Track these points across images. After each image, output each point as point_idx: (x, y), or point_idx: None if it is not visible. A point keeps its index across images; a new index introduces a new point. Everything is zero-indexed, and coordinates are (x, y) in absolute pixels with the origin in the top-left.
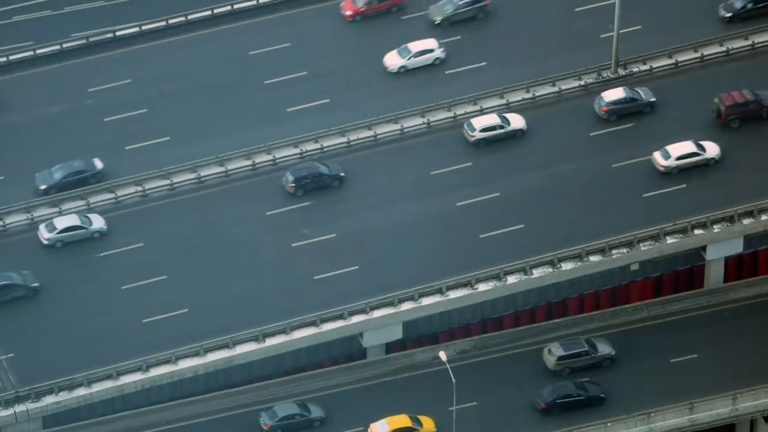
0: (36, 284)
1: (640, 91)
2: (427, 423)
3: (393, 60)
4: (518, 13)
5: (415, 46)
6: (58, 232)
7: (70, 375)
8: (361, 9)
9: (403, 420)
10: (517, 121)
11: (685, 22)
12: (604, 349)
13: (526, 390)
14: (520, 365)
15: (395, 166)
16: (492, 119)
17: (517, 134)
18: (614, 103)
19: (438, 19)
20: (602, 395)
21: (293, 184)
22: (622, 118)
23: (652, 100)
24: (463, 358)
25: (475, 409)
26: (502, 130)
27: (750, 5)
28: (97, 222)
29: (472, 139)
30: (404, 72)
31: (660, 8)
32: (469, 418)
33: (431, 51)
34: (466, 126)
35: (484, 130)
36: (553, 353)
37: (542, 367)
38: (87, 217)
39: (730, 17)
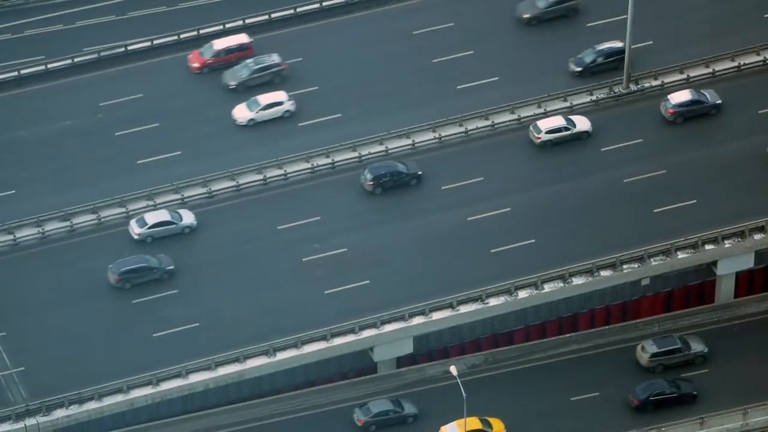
0: (172, 267)
1: (706, 94)
2: (497, 425)
3: (242, 113)
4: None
5: (265, 98)
6: (149, 228)
7: (81, 389)
8: (209, 61)
9: (473, 422)
10: (582, 124)
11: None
12: (697, 346)
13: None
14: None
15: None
16: (558, 121)
17: (582, 136)
18: (681, 105)
19: (233, 84)
20: (695, 393)
21: (372, 182)
22: (688, 121)
23: (718, 102)
24: (473, 373)
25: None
26: (567, 132)
27: (600, 59)
28: (187, 218)
29: (538, 141)
30: (253, 125)
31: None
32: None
33: (281, 103)
34: (531, 128)
35: (550, 132)
36: (646, 350)
37: (634, 364)
38: (177, 212)
39: (580, 71)
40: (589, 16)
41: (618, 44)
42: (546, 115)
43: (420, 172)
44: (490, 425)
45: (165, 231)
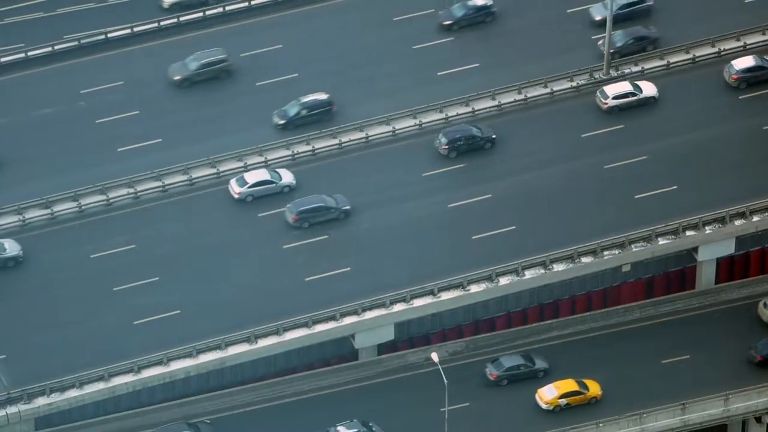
0: (348, 207)
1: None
2: (593, 386)
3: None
4: None
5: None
6: (249, 187)
7: (62, 377)
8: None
9: (570, 384)
10: (649, 89)
11: (674, 23)
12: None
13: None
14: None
15: (385, 168)
16: (624, 86)
17: (649, 101)
18: (745, 71)
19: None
20: None
21: (446, 146)
22: (752, 86)
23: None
24: (455, 360)
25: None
26: (634, 98)
27: (304, 111)
28: (287, 177)
29: (605, 106)
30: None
31: None
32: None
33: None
34: (598, 93)
35: (617, 97)
36: None
37: (756, 321)
38: (276, 171)
39: (283, 124)
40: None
41: (323, 96)
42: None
43: (494, 136)
44: (586, 387)
45: (265, 190)
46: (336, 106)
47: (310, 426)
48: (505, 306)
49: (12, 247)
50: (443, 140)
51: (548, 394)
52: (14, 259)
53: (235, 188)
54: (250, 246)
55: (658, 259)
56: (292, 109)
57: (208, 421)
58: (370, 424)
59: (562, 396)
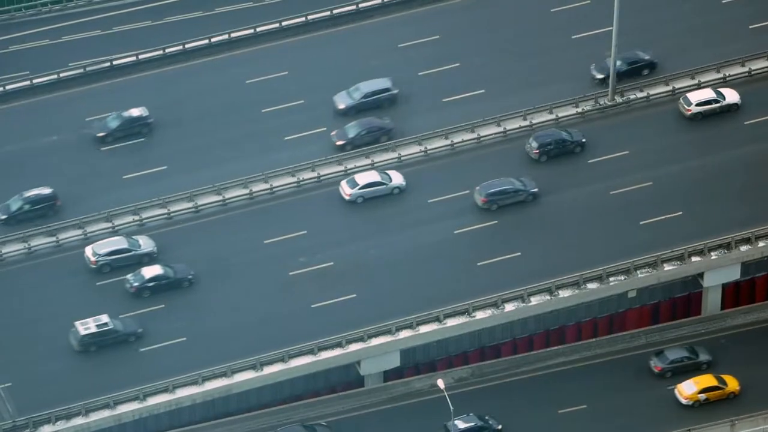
0: (536, 189)
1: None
2: (732, 382)
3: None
4: None
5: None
6: (360, 188)
7: (68, 404)
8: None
9: (709, 379)
10: (732, 96)
11: (686, 48)
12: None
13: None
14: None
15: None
16: (707, 93)
17: (732, 108)
18: (701, 103)
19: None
20: None
21: (537, 150)
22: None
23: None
24: (461, 386)
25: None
26: (717, 105)
27: (27, 206)
28: (397, 178)
29: (688, 113)
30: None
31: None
32: None
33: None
34: (681, 100)
35: (700, 104)
36: None
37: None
38: (386, 173)
39: (4, 219)
40: None
41: (46, 191)
42: (533, 128)
43: (584, 140)
44: (725, 382)
45: (375, 191)
46: (60, 200)
47: None
48: (511, 332)
49: (147, 244)
50: (534, 144)
51: (687, 389)
52: (149, 255)
53: (345, 190)
54: (256, 272)
55: (663, 285)
56: (14, 204)
57: (324, 423)
58: (486, 417)
59: (702, 391)
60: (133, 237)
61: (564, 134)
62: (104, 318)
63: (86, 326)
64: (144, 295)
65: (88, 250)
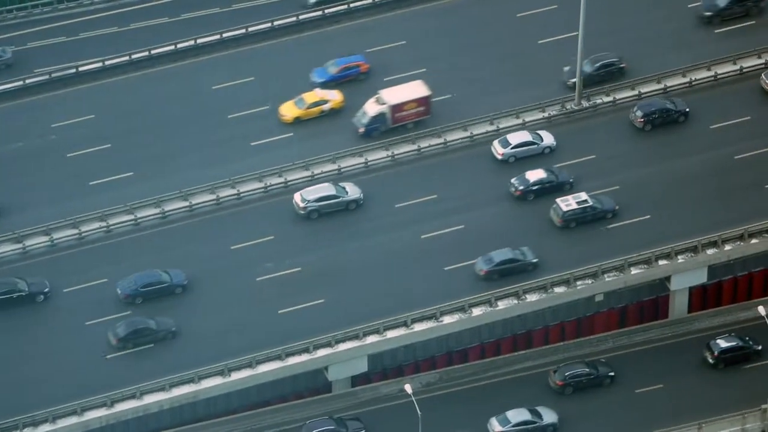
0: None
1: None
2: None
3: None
4: None
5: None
6: (512, 147)
7: (34, 411)
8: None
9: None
10: (548, 139)
11: (648, 52)
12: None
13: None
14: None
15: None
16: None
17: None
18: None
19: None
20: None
21: (642, 120)
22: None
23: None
24: (428, 391)
25: None
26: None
27: None
28: (548, 138)
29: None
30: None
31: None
32: None
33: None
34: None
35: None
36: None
37: None
38: (537, 133)
39: None
40: None
41: None
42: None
43: (687, 109)
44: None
45: (527, 151)
46: None
47: None
48: (479, 337)
49: (353, 191)
50: (639, 113)
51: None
52: (356, 202)
53: (498, 149)
54: (223, 278)
55: (631, 289)
56: None
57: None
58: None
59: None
60: (340, 184)
61: (668, 103)
62: (583, 195)
63: (567, 203)
64: (528, 198)
65: (297, 196)
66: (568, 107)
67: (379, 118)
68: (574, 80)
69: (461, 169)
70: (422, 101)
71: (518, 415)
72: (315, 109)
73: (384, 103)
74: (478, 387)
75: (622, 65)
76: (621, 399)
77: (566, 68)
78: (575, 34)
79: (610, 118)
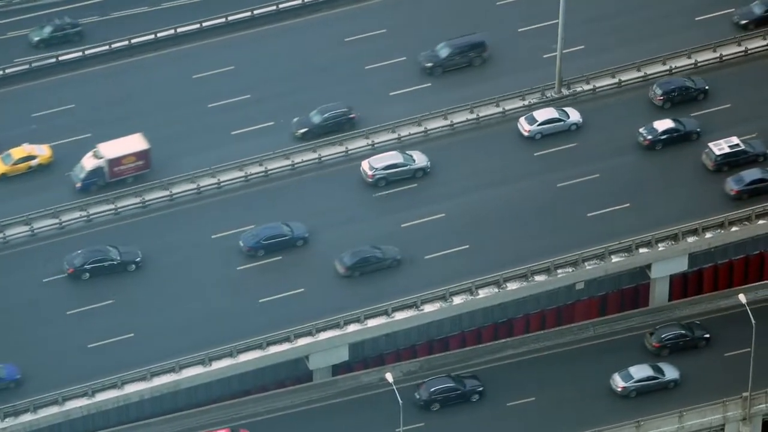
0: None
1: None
2: None
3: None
4: None
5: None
6: (539, 125)
7: (15, 401)
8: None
9: None
10: (574, 115)
11: (628, 40)
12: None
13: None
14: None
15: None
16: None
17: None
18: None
19: None
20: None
21: (662, 97)
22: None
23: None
24: (409, 380)
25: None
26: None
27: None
28: (574, 115)
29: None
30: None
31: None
32: None
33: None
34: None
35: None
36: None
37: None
38: (563, 110)
39: None
40: None
41: None
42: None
43: (707, 87)
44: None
45: (553, 128)
46: None
47: None
48: (459, 325)
49: (420, 159)
50: (658, 91)
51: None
52: (423, 170)
53: (525, 126)
54: (204, 267)
55: (611, 277)
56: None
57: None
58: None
59: None
60: (407, 152)
61: (687, 81)
62: (734, 139)
63: (719, 147)
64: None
65: (365, 164)
66: (548, 95)
67: (97, 172)
68: (302, 131)
69: (444, 156)
70: (141, 155)
71: (641, 371)
72: (22, 165)
73: (101, 157)
74: (459, 376)
75: (351, 116)
76: (598, 388)
77: (295, 119)
78: (556, 21)
79: (590, 105)
